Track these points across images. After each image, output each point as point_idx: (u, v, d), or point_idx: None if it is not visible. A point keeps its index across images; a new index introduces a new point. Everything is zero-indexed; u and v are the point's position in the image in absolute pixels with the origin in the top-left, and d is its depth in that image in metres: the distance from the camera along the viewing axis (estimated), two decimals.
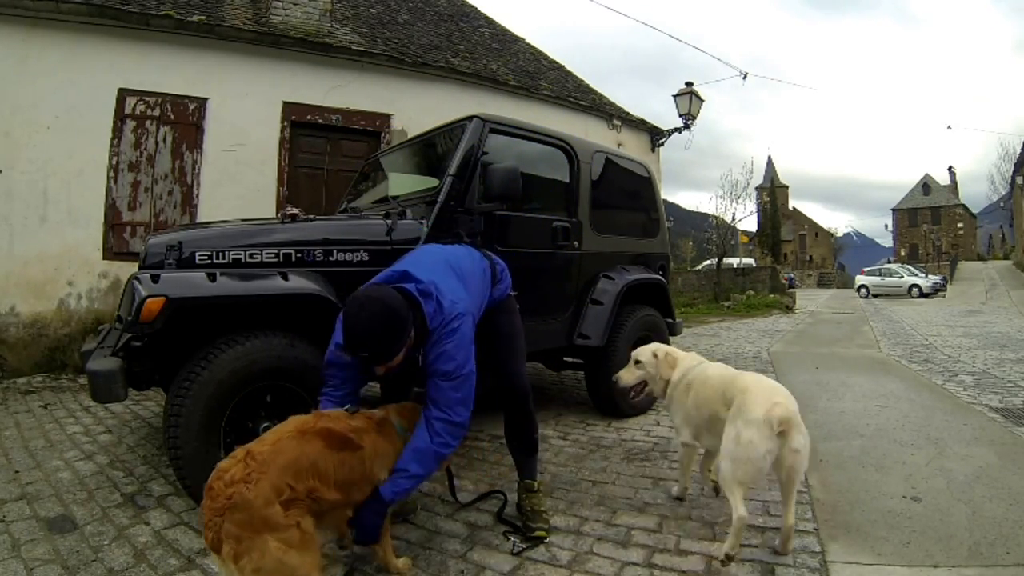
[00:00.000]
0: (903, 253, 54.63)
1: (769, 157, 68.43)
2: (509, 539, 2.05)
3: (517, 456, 2.24)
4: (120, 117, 5.50)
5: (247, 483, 1.36)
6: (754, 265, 26.12)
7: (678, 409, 2.29)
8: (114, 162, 5.47)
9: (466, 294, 1.93)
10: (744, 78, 12.11)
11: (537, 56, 9.64)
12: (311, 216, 2.79)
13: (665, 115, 11.65)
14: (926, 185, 58.31)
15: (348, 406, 1.80)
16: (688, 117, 9.96)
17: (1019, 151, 28.57)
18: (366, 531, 1.69)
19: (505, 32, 9.82)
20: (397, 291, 1.77)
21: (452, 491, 2.23)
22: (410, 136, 4.24)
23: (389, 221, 2.70)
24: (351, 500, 1.61)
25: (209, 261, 2.29)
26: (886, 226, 61.58)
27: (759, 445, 1.81)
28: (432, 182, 3.01)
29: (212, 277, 2.17)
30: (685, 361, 2.36)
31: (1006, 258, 37.64)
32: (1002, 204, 38.99)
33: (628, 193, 4.21)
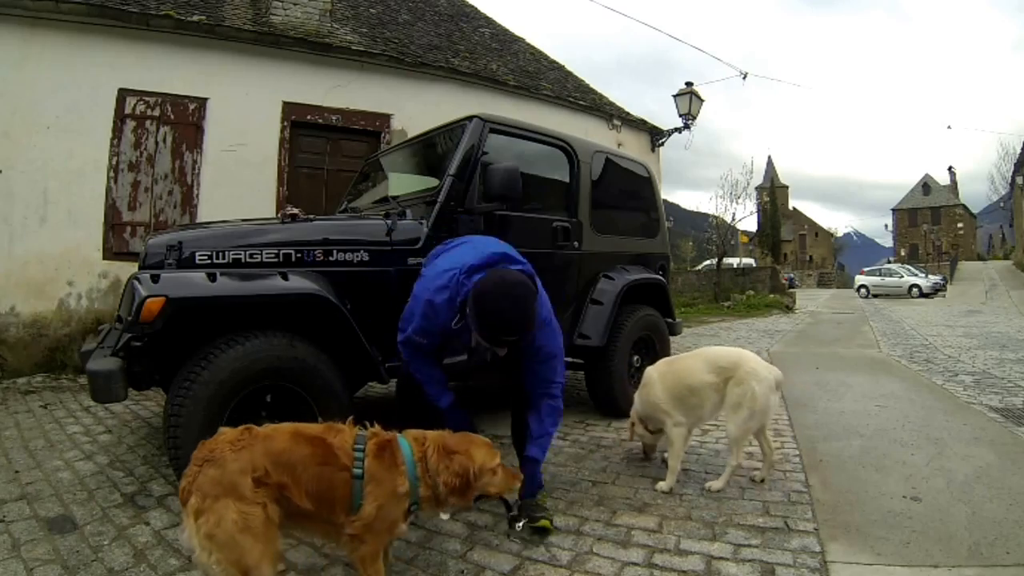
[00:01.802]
0: (903, 253, 54.61)
1: (769, 157, 68.50)
2: (515, 525, 2.03)
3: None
4: (120, 117, 5.49)
5: (233, 448, 1.44)
6: (754, 265, 26.11)
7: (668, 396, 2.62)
8: (114, 162, 5.47)
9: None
10: (744, 78, 12.11)
11: (537, 56, 9.63)
12: (311, 216, 2.79)
13: (660, 114, 11.65)
14: (926, 185, 58.29)
15: (361, 429, 1.64)
16: (688, 117, 9.96)
17: (1019, 151, 28.58)
18: (532, 484, 2.05)
19: (505, 32, 9.82)
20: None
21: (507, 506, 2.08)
22: (410, 136, 4.24)
23: (389, 221, 2.70)
24: (324, 516, 1.51)
25: (209, 261, 2.29)
26: (886, 226, 61.61)
27: (771, 397, 2.47)
28: (432, 182, 3.01)
29: (212, 277, 2.18)
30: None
31: (1006, 258, 37.63)
32: (1002, 204, 38.99)
33: (628, 193, 4.21)
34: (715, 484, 2.48)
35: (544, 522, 2.06)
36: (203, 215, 5.67)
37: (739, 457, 2.48)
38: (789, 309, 14.99)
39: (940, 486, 2.51)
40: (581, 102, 8.79)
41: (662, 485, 2.49)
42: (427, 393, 2.17)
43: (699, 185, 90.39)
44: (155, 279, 2.09)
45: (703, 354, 2.68)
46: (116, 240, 5.46)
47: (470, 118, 3.02)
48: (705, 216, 23.75)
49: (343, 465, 1.52)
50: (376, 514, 1.51)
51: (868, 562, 1.88)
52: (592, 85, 9.88)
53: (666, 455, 2.62)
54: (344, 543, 1.56)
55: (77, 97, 5.31)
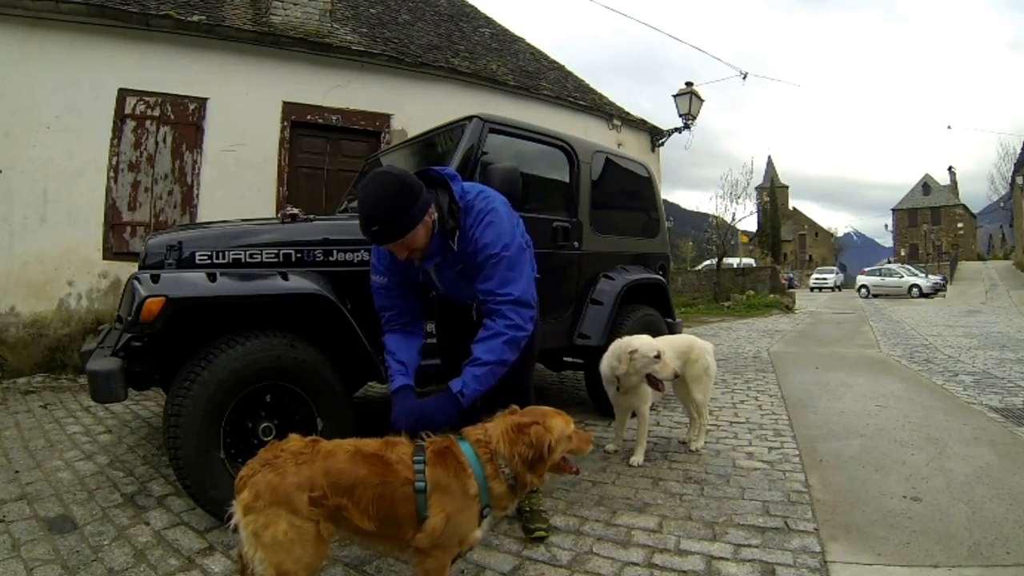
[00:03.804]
0: (903, 253, 54.61)
1: (769, 157, 68.58)
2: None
3: None
4: (120, 117, 5.50)
5: (295, 460, 1.41)
6: (754, 265, 26.12)
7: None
8: (114, 162, 5.47)
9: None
10: (744, 78, 12.11)
11: (537, 56, 9.63)
12: (311, 216, 2.79)
13: (655, 113, 11.66)
14: (926, 185, 58.30)
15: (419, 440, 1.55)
16: (688, 117, 9.97)
17: (1019, 151, 28.60)
18: (434, 419, 1.68)
19: (505, 32, 9.82)
20: (416, 173, 1.78)
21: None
22: (410, 136, 4.24)
23: None
24: (391, 534, 1.45)
25: (209, 261, 2.29)
26: (886, 226, 61.64)
27: (715, 366, 3.13)
28: None
29: (212, 277, 2.17)
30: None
31: (1006, 258, 37.63)
32: (1002, 204, 39.00)
33: (628, 193, 4.21)
34: (697, 444, 3.02)
35: (540, 532, 2.06)
36: (203, 215, 5.67)
37: (706, 417, 3.12)
38: (789, 309, 14.99)
39: (940, 486, 2.51)
40: (581, 102, 8.78)
41: (634, 460, 2.79)
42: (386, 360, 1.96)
43: (699, 185, 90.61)
44: (155, 279, 2.09)
45: (665, 342, 2.97)
46: (116, 240, 5.46)
47: (470, 118, 3.01)
48: (705, 216, 23.78)
49: (404, 480, 1.44)
50: (444, 525, 1.43)
51: (868, 562, 1.88)
52: (591, 85, 9.89)
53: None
54: (409, 556, 1.50)
55: (77, 97, 5.31)
